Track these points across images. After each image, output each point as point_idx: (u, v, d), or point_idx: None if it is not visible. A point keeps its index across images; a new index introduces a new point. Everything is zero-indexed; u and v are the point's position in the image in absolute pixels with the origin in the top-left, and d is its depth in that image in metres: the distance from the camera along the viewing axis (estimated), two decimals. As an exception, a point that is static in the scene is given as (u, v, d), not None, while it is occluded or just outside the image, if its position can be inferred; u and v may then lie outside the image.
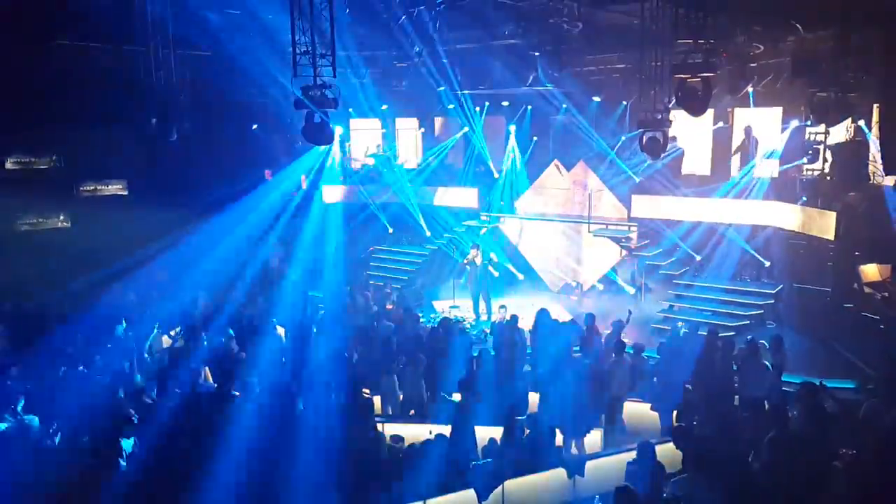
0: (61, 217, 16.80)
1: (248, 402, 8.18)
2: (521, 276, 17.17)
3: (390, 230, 19.42)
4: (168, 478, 6.88)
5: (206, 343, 10.63)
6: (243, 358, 10.40)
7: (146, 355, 11.08)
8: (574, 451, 8.71)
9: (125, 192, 17.98)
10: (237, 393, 8.47)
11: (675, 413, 9.34)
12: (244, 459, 6.96)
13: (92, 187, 17.57)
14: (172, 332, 11.81)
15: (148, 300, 13.50)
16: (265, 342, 10.90)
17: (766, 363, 9.68)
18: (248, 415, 7.83)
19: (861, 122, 13.27)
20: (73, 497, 6.68)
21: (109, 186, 17.75)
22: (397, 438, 8.08)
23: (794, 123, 14.52)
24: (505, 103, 18.43)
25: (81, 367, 9.78)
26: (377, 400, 9.91)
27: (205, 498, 6.57)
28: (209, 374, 9.90)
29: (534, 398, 9.84)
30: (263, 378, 8.96)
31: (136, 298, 13.58)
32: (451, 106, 18.62)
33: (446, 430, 8.01)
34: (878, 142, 13.18)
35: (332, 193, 19.85)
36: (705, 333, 10.53)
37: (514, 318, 11.49)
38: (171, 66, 12.45)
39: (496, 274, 15.13)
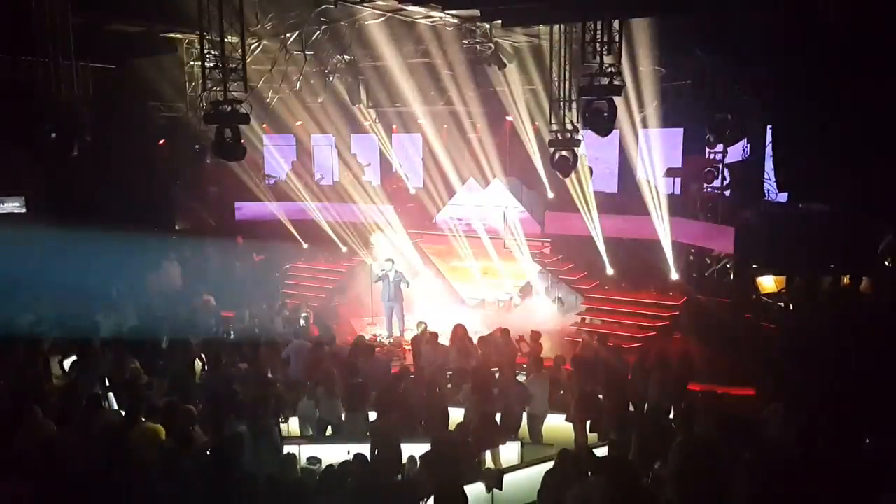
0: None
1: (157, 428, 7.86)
2: (436, 291, 17.26)
3: (305, 246, 19.18)
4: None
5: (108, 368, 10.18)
6: (147, 381, 10.00)
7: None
8: (492, 465, 8.78)
9: (23, 210, 17.07)
10: (144, 419, 8.13)
11: (588, 423, 9.59)
12: (153, 486, 6.68)
13: (-15, 205, 16.64)
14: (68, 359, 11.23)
15: (46, 321, 12.82)
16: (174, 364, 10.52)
17: (674, 373, 10.08)
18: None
19: (755, 143, 14.11)
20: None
21: (6, 204, 16.80)
22: (314, 460, 7.94)
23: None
24: (420, 121, 18.58)
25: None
26: (294, 422, 9.73)
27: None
28: (114, 400, 9.47)
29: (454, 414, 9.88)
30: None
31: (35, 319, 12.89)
32: (366, 122, 18.62)
33: (366, 449, 7.95)
34: (771, 160, 14.02)
35: (245, 209, 19.47)
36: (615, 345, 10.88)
37: (433, 334, 11.54)
38: (73, 79, 11.92)
39: (407, 285, 15.10)
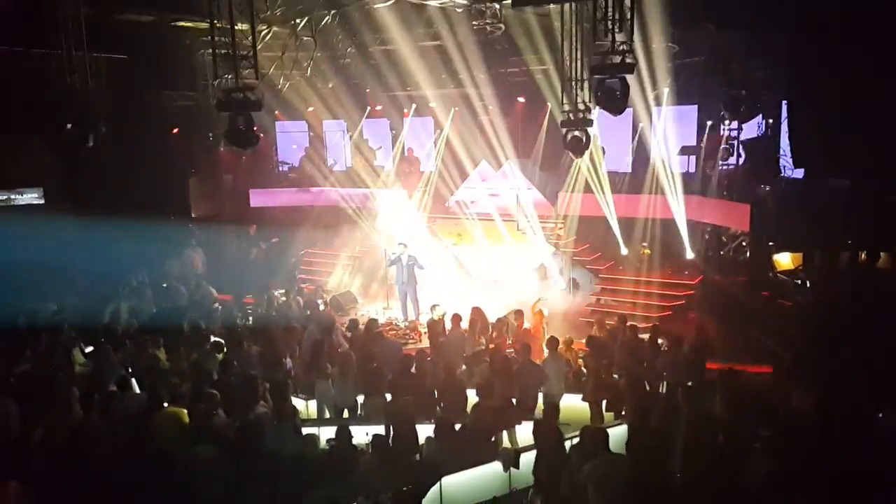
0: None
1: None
2: (452, 273, 17.28)
3: (319, 232, 19.25)
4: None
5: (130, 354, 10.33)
6: (168, 367, 10.14)
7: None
8: (509, 444, 8.84)
9: (41, 201, 17.29)
10: (167, 404, 8.26)
11: (604, 403, 9.62)
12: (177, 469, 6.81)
13: (4, 196, 16.83)
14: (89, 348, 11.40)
15: (67, 310, 13.01)
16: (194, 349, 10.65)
17: (689, 350, 10.08)
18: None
19: (771, 119, 13.94)
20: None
21: (24, 195, 17.02)
22: (333, 442, 8.03)
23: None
24: (432, 104, 18.52)
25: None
26: (312, 404, 9.84)
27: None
28: (136, 386, 9.62)
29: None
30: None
31: (55, 308, 13.09)
32: (378, 107, 18.60)
33: (383, 430, 8.04)
34: (787, 136, 13.87)
35: (260, 196, 19.57)
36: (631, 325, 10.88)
37: (455, 316, 11.57)
38: (86, 70, 11.99)
39: (422, 268, 15.07)
